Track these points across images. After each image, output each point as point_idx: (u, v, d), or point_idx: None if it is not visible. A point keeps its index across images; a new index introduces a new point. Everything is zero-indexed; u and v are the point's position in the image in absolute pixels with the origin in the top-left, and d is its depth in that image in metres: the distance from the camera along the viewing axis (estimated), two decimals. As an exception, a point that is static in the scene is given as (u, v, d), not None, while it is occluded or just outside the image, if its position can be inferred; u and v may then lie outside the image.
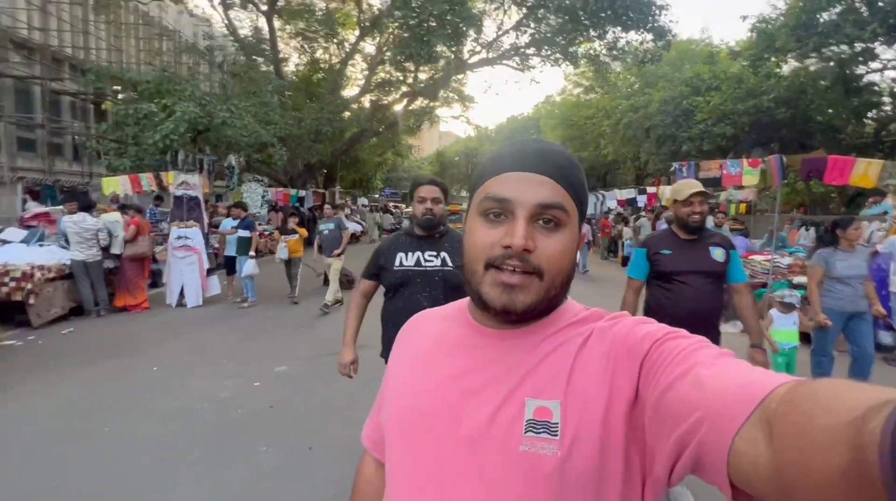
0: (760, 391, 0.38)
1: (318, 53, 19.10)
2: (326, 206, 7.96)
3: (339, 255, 6.88)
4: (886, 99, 11.80)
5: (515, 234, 0.55)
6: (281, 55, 16.85)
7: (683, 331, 0.54)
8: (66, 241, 6.42)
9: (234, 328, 5.92)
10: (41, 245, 6.47)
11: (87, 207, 6.46)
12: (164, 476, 2.64)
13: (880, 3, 9.17)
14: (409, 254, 2.07)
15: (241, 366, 4.42)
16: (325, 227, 6.96)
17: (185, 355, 4.79)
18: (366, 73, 18.32)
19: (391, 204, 30.15)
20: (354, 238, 15.56)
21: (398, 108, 17.50)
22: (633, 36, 11.43)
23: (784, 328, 3.60)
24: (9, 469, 2.69)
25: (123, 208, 7.36)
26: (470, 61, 14.99)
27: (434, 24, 10.95)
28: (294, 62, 19.56)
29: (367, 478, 0.79)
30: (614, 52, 12.10)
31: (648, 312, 2.41)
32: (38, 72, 14.40)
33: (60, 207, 8.61)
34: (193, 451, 2.90)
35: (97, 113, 16.41)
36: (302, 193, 14.80)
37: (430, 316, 0.75)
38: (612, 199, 14.64)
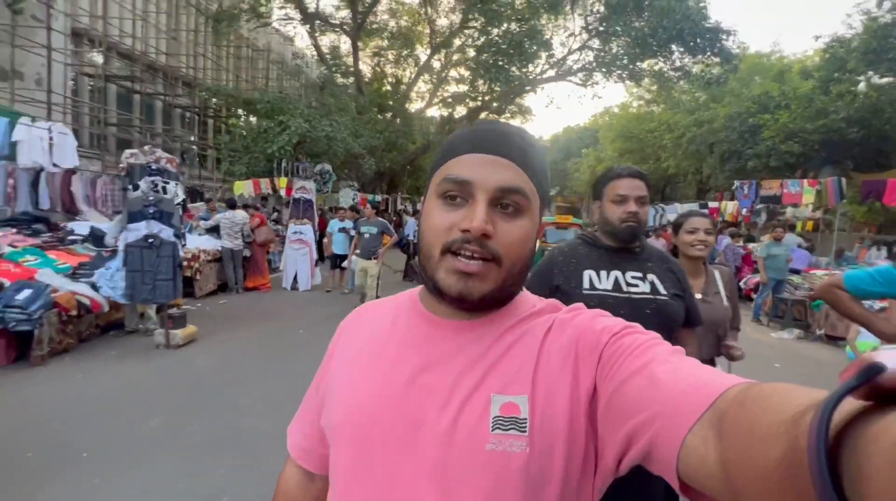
0: (713, 392, 0.39)
1: (391, 69, 20.85)
2: (367, 207, 7.42)
3: (376, 259, 6.52)
4: None
5: (475, 217, 0.53)
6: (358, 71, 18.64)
7: (639, 326, 0.55)
8: (212, 231, 8.09)
9: (346, 307, 7.24)
10: (199, 235, 8.13)
11: (233, 205, 8.08)
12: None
13: None
14: (603, 274, 1.49)
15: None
16: (366, 230, 6.59)
17: (319, 324, 6.09)
18: (430, 87, 19.77)
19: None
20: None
21: (464, 121, 18.66)
22: (700, 58, 11.88)
23: (867, 340, 3.69)
24: (209, 396, 4.00)
25: (246, 207, 9.01)
26: (536, 79, 15.91)
27: (511, 51, 12.05)
28: (368, 77, 21.45)
29: (290, 492, 0.72)
30: (679, 73, 12.57)
31: None
32: (161, 89, 17.01)
33: (199, 203, 10.46)
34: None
35: (200, 124, 18.97)
36: (379, 197, 16.30)
37: (377, 307, 0.70)
38: (673, 212, 14.95)
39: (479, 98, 16.68)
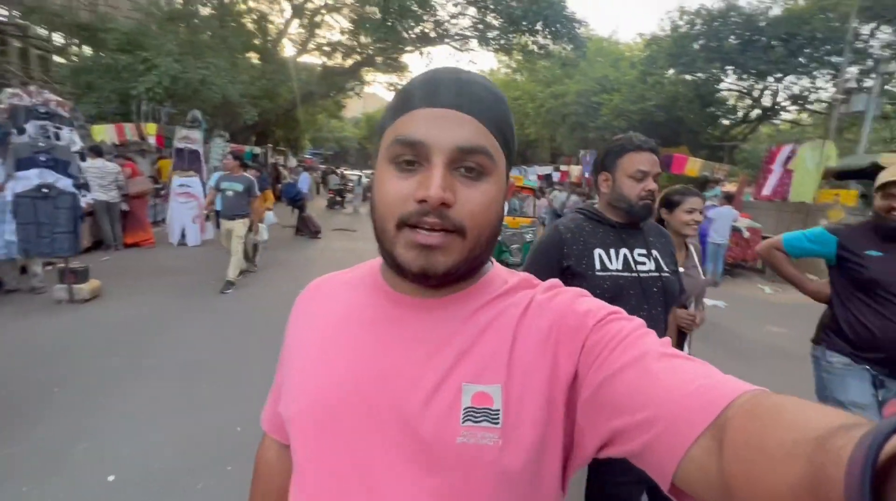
0: (722, 399, 0.37)
1: (254, 4, 18.97)
2: (227, 159, 6.14)
3: (241, 219, 5.66)
4: (730, 113, 16.06)
5: (431, 185, 0.46)
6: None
7: (623, 311, 0.51)
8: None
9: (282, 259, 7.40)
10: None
11: (100, 153, 7.25)
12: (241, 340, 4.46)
13: (728, 42, 12.77)
14: (612, 252, 1.42)
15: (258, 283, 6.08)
16: (229, 186, 5.59)
17: (215, 280, 6.28)
18: (304, 33, 18.72)
19: (333, 168, 30.10)
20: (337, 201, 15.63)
21: (348, 74, 18.30)
22: (558, 42, 13.91)
23: None
24: (141, 339, 4.29)
25: (116, 156, 8.13)
26: (417, 39, 16.38)
27: (397, 8, 12.29)
28: (232, 12, 19.14)
29: (269, 461, 0.69)
30: (542, 52, 14.45)
31: (837, 334, 1.80)
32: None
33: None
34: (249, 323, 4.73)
35: (20, 52, 15.04)
36: (257, 150, 15.38)
37: (334, 280, 0.64)
38: (533, 174, 17.43)
39: (363, 52, 16.54)
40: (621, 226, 1.45)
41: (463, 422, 0.48)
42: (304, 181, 10.45)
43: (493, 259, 0.58)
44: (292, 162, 29.11)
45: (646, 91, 14.92)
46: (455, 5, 14.27)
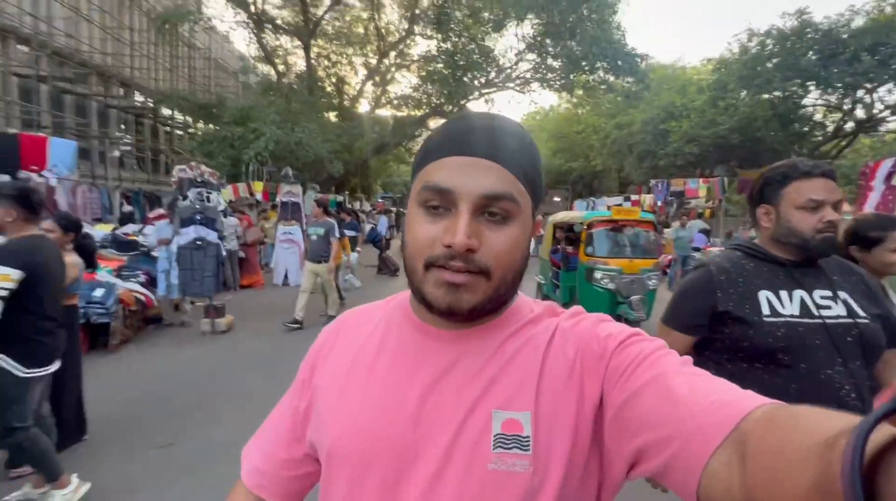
0: (737, 412, 0.38)
1: (334, 70, 21.44)
2: (313, 205, 6.65)
3: (326, 263, 6.05)
4: (818, 129, 15.04)
5: (457, 232, 0.49)
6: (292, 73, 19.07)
7: (644, 333, 0.53)
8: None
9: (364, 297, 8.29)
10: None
11: (226, 213, 8.71)
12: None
13: (806, 59, 12.25)
14: (784, 295, 1.21)
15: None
16: (313, 232, 6.12)
17: (318, 315, 7.10)
18: (376, 90, 20.68)
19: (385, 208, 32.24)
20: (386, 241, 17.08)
21: (417, 125, 19.84)
22: (620, 78, 14.23)
23: None
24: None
25: (234, 211, 9.63)
26: (481, 87, 17.50)
27: (464, 64, 13.46)
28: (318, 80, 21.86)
29: None
30: (603, 88, 14.79)
31: None
32: (96, 89, 16.40)
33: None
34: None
35: (136, 126, 18.43)
36: (339, 198, 17.03)
37: (365, 313, 0.66)
38: (602, 205, 17.35)
39: (430, 103, 17.95)
40: (793, 264, 1.24)
41: (494, 449, 0.49)
42: (383, 224, 11.42)
43: (520, 292, 0.60)
44: (366, 207, 31.51)
45: (717, 115, 14.53)
46: (516, 54, 15.23)
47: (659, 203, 8.84)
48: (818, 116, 15.55)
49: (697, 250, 9.51)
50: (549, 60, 14.68)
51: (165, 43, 17.66)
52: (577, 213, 7.72)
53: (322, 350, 0.65)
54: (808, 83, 13.42)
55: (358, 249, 10.22)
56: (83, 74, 15.12)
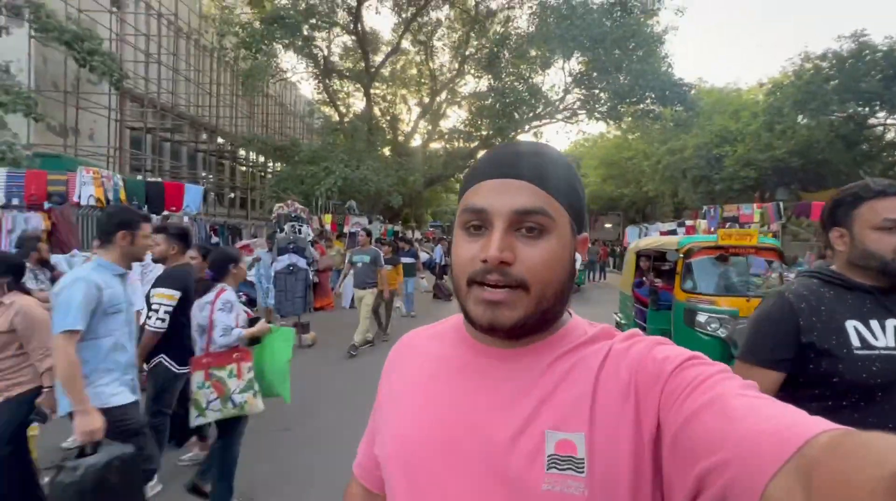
0: (799, 437, 0.35)
1: (389, 108, 23.19)
2: (361, 233, 6.82)
3: (371, 289, 6.26)
4: (889, 149, 14.35)
5: (490, 246, 0.53)
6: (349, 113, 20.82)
7: (705, 357, 0.51)
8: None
9: (401, 321, 9.02)
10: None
11: (302, 240, 9.85)
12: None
13: (867, 80, 11.97)
14: (876, 325, 1.13)
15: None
16: (359, 259, 6.31)
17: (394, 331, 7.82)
18: (428, 126, 22.06)
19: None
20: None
21: (468, 157, 20.89)
22: (669, 107, 14.49)
23: None
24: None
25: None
26: (530, 119, 18.29)
27: (512, 101, 14.38)
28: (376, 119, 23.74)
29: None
30: (651, 116, 15.08)
31: None
32: (188, 136, 18.89)
33: (255, 239, 12.13)
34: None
35: (216, 166, 20.80)
36: (397, 228, 18.16)
37: (423, 334, 0.70)
38: (655, 231, 17.19)
39: (480, 136, 18.94)
40: (880, 291, 1.15)
41: (547, 470, 0.49)
42: (438, 252, 12.20)
43: (571, 311, 0.60)
44: (417, 235, 32.84)
45: (773, 139, 14.29)
46: (563, 88, 15.94)
47: (712, 229, 8.84)
48: (890, 135, 14.82)
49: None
50: (596, 93, 15.24)
51: (246, 94, 20.12)
52: (666, 238, 6.34)
53: (386, 372, 0.70)
54: (874, 104, 12.95)
55: (421, 275, 10.95)
56: (179, 124, 17.54)
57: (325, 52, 17.82)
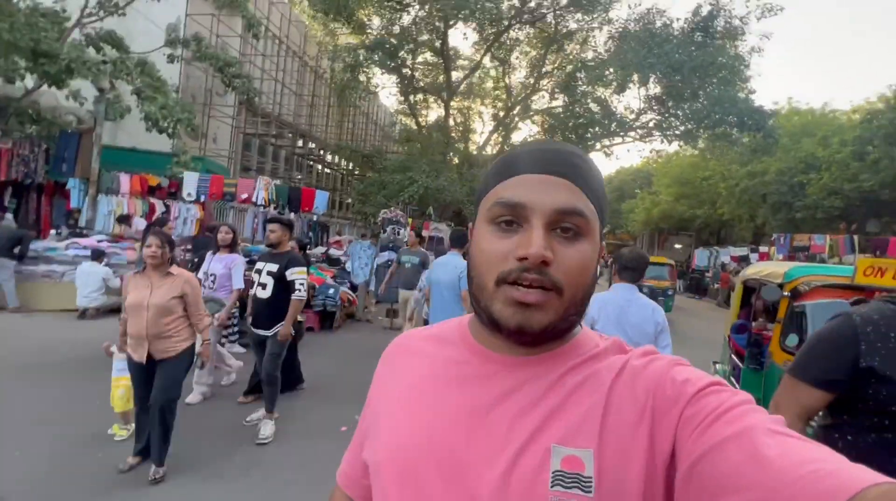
0: (846, 489, 0.33)
1: (462, 120, 24.50)
2: (410, 234, 6.84)
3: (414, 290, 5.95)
4: None
5: (533, 243, 0.49)
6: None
7: (727, 383, 0.48)
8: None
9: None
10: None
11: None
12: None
13: None
14: None
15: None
16: (407, 260, 6.28)
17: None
18: (500, 138, 23.02)
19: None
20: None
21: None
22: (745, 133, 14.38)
23: None
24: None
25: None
26: (603, 137, 18.72)
27: (585, 121, 15.07)
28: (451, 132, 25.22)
29: None
30: (730, 140, 14.98)
31: None
32: (286, 141, 21.43)
33: (343, 236, 13.88)
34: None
35: (307, 167, 23.24)
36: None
37: (421, 336, 0.66)
38: (726, 255, 16.89)
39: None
40: None
41: (552, 487, 0.46)
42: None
43: (582, 323, 0.60)
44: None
45: (860, 171, 13.66)
46: (637, 110, 16.25)
47: (779, 257, 8.92)
48: None
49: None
50: (670, 117, 15.45)
51: (339, 105, 22.36)
52: (778, 266, 3.90)
53: (380, 374, 0.66)
54: None
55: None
56: (281, 130, 20.03)
57: (411, 70, 19.51)
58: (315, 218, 9.35)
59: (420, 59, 20.44)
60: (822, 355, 1.20)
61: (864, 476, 0.34)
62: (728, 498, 0.38)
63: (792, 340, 2.92)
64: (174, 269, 2.88)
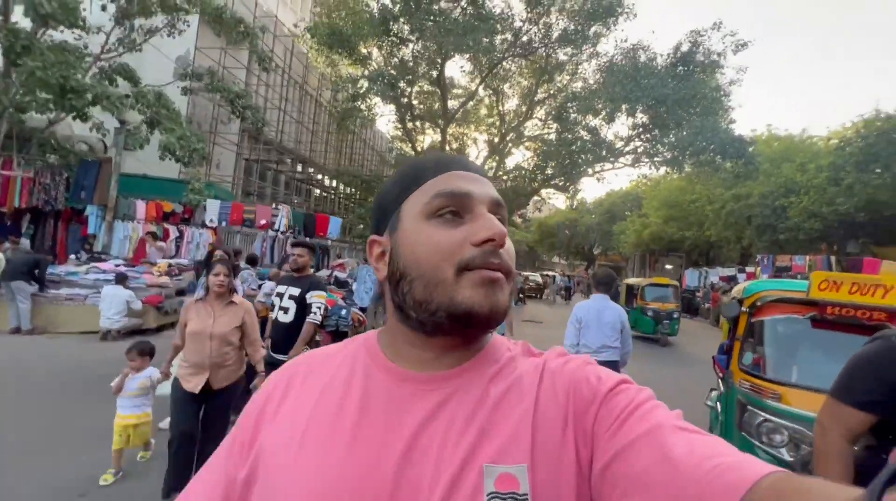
0: (744, 481, 0.35)
1: (458, 146, 25.29)
2: None
3: None
4: None
5: (493, 225, 0.50)
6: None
7: (629, 378, 0.50)
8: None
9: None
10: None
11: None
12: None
13: None
14: None
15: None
16: None
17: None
18: (494, 164, 23.79)
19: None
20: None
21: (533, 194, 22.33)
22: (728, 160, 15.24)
23: None
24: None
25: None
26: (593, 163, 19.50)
27: (576, 149, 15.79)
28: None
29: None
30: (713, 167, 15.80)
31: None
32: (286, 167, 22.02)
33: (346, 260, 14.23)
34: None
35: (306, 191, 23.79)
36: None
37: (319, 359, 0.58)
38: (715, 275, 17.52)
39: (545, 176, 20.41)
40: None
41: None
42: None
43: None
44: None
45: (836, 195, 14.50)
46: (625, 138, 17.11)
47: (764, 277, 9.41)
48: None
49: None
50: (657, 144, 16.28)
51: (338, 131, 23.02)
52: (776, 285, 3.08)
53: (269, 404, 0.54)
54: None
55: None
56: (282, 156, 20.59)
57: (409, 99, 20.30)
58: (329, 243, 9.76)
59: (417, 88, 21.38)
60: (864, 376, 1.22)
61: (759, 467, 0.36)
62: (639, 496, 0.40)
63: (747, 358, 2.75)
64: (235, 298, 2.87)
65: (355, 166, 23.86)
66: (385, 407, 0.51)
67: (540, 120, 20.83)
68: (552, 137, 17.53)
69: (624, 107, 15.18)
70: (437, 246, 0.50)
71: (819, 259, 8.93)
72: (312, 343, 3.70)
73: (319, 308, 3.43)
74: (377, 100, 17.42)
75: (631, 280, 13.70)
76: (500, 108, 21.86)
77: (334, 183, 23.09)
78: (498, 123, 22.42)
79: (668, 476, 0.39)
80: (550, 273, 30.74)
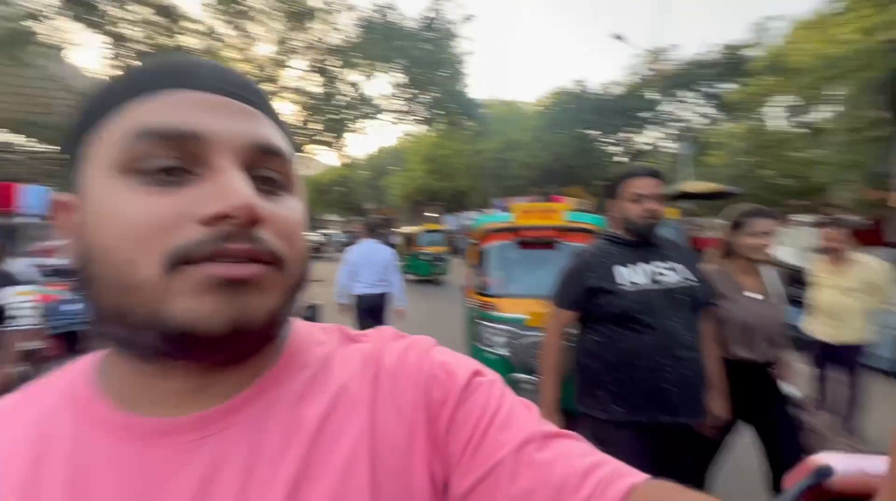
0: (616, 491, 0.32)
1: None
2: None
3: None
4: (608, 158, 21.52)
5: (233, 191, 0.30)
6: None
7: (477, 363, 0.41)
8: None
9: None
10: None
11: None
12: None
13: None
14: (633, 268, 1.56)
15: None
16: None
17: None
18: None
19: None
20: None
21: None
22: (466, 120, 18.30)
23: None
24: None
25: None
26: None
27: (342, 105, 15.63)
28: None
29: None
30: (457, 126, 18.57)
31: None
32: None
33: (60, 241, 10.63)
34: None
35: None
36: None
37: (9, 411, 0.35)
38: (467, 219, 20.97)
39: (308, 132, 19.64)
40: (637, 244, 1.60)
41: None
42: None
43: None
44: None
45: (538, 151, 19.46)
46: (388, 95, 18.17)
47: None
48: (610, 151, 21.86)
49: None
50: (416, 102, 17.92)
51: (7, 64, 16.08)
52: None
53: None
54: (588, 130, 19.28)
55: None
56: None
57: (118, 27, 15.72)
58: (26, 221, 5.69)
59: (132, 15, 16.67)
60: (567, 284, 1.64)
61: (628, 477, 0.33)
62: None
63: (479, 284, 3.29)
64: None
65: (49, 115, 17.38)
66: (130, 488, 0.31)
67: (302, 71, 19.60)
68: (317, 90, 16.91)
69: (383, 66, 15.88)
70: (131, 223, 0.30)
71: (531, 200, 11.86)
72: (34, 357, 2.83)
73: (30, 310, 2.67)
74: (68, 22, 12.96)
75: (406, 229, 15.15)
76: (252, 52, 19.38)
77: (22, 139, 16.38)
78: (250, 69, 19.91)
79: (541, 483, 0.33)
80: (328, 231, 31.10)
